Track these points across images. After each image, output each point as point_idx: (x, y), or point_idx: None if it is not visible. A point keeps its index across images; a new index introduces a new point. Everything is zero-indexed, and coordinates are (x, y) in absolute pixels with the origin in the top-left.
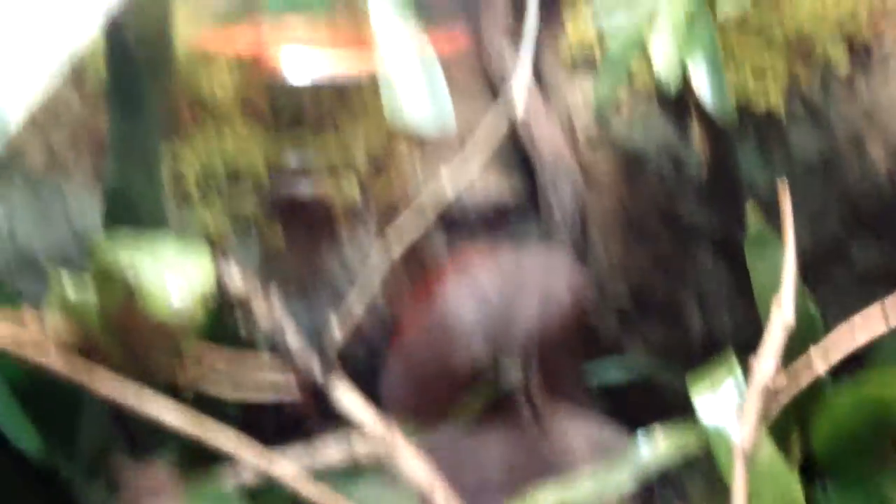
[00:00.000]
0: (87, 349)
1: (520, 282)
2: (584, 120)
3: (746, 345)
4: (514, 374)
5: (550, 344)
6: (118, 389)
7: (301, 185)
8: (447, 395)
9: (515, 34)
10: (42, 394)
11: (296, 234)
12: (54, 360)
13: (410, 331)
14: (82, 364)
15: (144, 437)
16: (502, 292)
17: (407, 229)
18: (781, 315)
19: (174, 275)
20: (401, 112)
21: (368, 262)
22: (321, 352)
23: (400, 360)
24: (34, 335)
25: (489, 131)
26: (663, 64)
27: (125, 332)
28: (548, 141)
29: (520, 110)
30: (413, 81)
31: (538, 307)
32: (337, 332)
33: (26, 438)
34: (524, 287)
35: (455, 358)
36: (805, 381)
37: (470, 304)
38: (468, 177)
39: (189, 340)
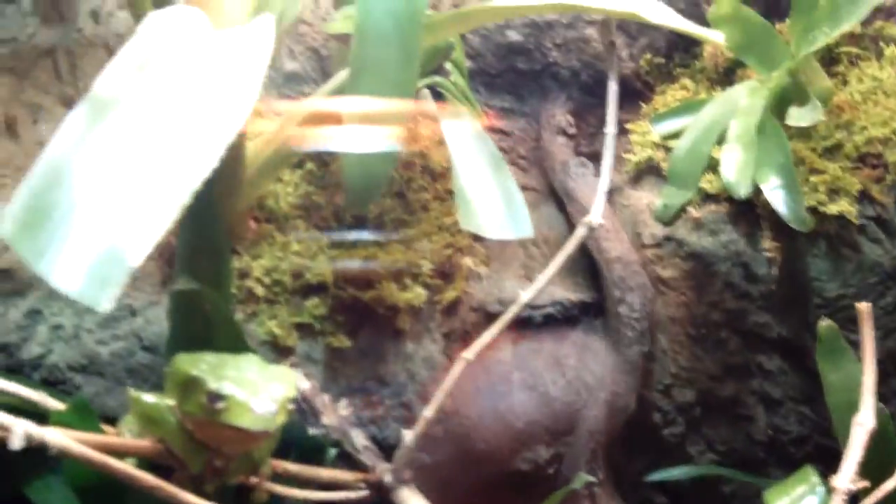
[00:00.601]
0: (164, 458)
1: (586, 383)
2: (650, 225)
3: (813, 450)
4: (578, 473)
5: (615, 444)
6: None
7: (366, 288)
8: (512, 495)
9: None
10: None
11: (360, 336)
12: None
13: (474, 429)
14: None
15: None
16: (568, 393)
17: (475, 331)
18: (862, 426)
19: (257, 385)
20: (475, 218)
21: (436, 367)
22: (393, 458)
23: (462, 459)
24: (115, 443)
25: (563, 238)
26: (733, 174)
27: (207, 439)
28: (615, 245)
29: (597, 219)
30: (486, 188)
31: (604, 408)
32: (409, 438)
33: None
34: (590, 388)
35: (519, 457)
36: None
37: (535, 404)
38: (542, 282)
39: (270, 444)
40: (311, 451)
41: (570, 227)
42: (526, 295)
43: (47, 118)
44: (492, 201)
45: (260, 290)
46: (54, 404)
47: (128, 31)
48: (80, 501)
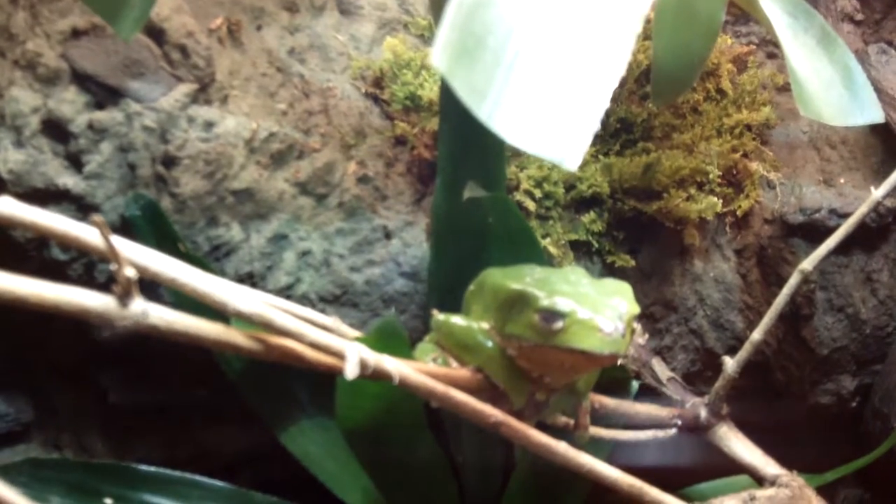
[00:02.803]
0: (484, 390)
1: None
2: None
3: None
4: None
5: None
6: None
7: (647, 199)
8: (809, 432)
9: None
10: (379, 451)
11: (643, 254)
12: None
13: (771, 357)
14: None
15: None
16: (880, 314)
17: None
18: None
19: (597, 301)
20: (814, 103)
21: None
22: (710, 393)
23: (757, 391)
24: (437, 372)
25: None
26: None
27: (533, 367)
28: None
29: None
30: (822, 68)
31: None
32: (731, 366)
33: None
34: None
35: (819, 388)
36: None
37: (841, 327)
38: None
39: (595, 375)
40: (614, 384)
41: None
42: (878, 193)
43: (270, 23)
44: (830, 83)
45: (531, 205)
46: (348, 331)
47: None
48: (352, 447)
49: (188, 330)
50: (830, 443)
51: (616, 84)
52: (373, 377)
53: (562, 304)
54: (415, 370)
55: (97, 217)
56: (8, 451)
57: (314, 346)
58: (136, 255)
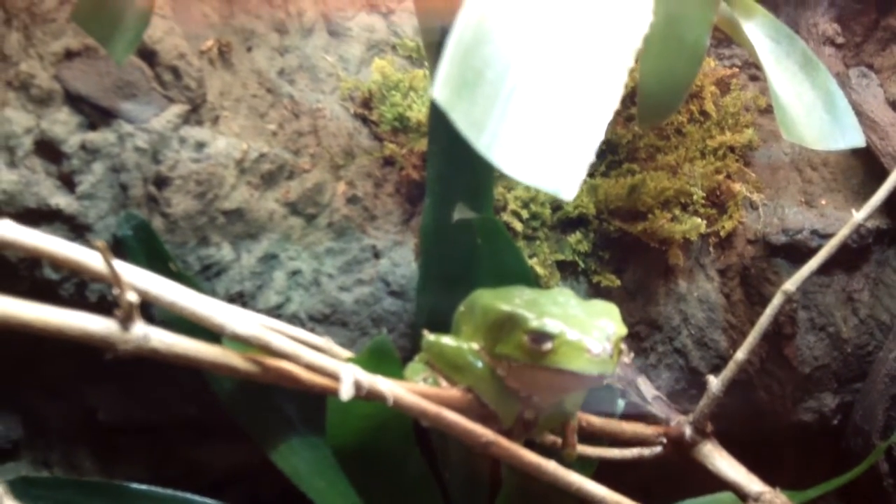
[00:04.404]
0: (474, 409)
1: (881, 322)
2: None
3: None
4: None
5: None
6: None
7: (632, 220)
8: (791, 449)
9: None
10: (368, 469)
11: (628, 274)
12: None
13: (754, 376)
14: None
15: None
16: (861, 333)
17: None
18: None
19: (586, 322)
20: (796, 127)
21: (714, 308)
22: (695, 411)
23: (740, 408)
24: (429, 393)
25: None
26: None
27: (523, 387)
28: None
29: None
30: (803, 93)
31: None
32: (715, 385)
33: None
34: (886, 327)
35: (802, 406)
36: None
37: (822, 346)
38: (878, 199)
39: (583, 394)
40: (600, 403)
41: None
42: (860, 215)
43: (260, 44)
44: (812, 107)
45: (518, 225)
46: (340, 352)
47: None
48: (341, 465)
49: (187, 353)
50: (812, 460)
51: (610, 117)
52: (367, 398)
53: (551, 325)
54: (407, 391)
55: (100, 242)
56: None
57: (310, 367)
58: (137, 279)
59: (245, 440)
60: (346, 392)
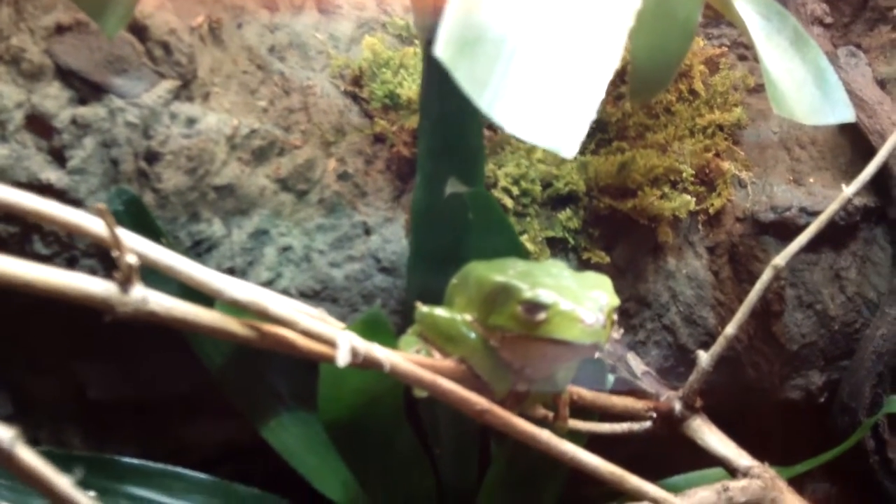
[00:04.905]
0: (467, 380)
1: (868, 299)
2: None
3: None
4: (862, 400)
5: None
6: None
7: (622, 197)
8: (778, 426)
9: None
10: (359, 444)
11: (617, 250)
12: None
13: (742, 353)
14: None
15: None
16: (848, 310)
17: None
18: None
19: (579, 293)
20: (787, 102)
21: (702, 286)
22: (684, 386)
23: (728, 385)
24: (447, 365)
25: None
26: None
27: (516, 358)
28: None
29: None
30: (794, 68)
31: (893, 326)
32: (705, 360)
33: (339, 489)
34: (874, 305)
35: (789, 383)
36: None
37: (810, 324)
38: (869, 173)
39: (574, 366)
40: (589, 378)
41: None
42: (850, 190)
43: (250, 21)
44: (803, 83)
45: (508, 202)
46: (335, 322)
47: None
48: (332, 440)
49: (185, 317)
50: (799, 437)
51: (611, 75)
52: (363, 365)
53: (544, 295)
54: (403, 359)
55: (101, 205)
56: None
57: (306, 333)
58: (136, 244)
59: (235, 417)
60: (342, 358)
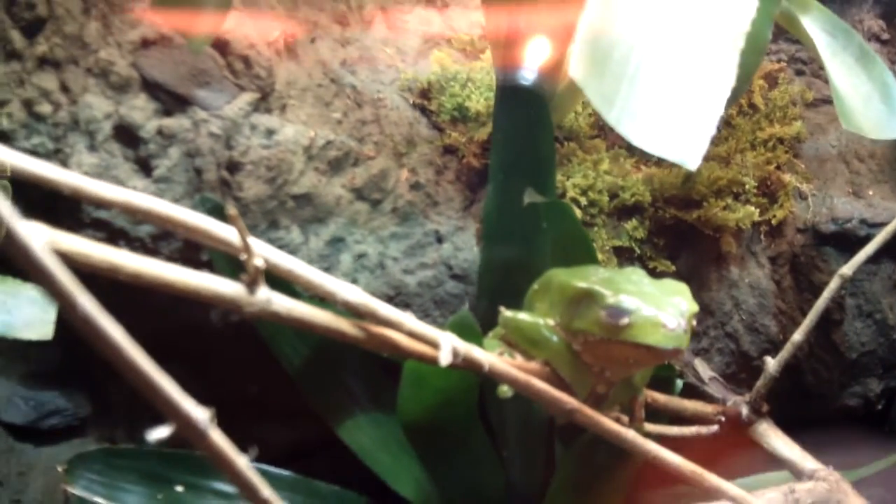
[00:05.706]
0: (551, 383)
1: None
2: None
3: None
4: None
5: None
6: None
7: (686, 207)
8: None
9: None
10: (436, 443)
11: (681, 260)
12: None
13: (802, 360)
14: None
15: None
16: None
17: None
18: None
19: (660, 299)
20: (855, 117)
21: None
22: (751, 391)
23: (786, 392)
24: (532, 367)
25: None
26: None
27: (598, 361)
28: None
29: None
30: (861, 84)
31: None
32: (773, 366)
33: (413, 487)
34: None
35: (847, 391)
36: None
37: (869, 332)
38: None
39: (650, 370)
40: (659, 382)
41: None
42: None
43: (323, 36)
44: (869, 98)
45: (577, 212)
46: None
47: None
48: (409, 438)
49: (304, 317)
50: (856, 444)
51: (729, 91)
52: (463, 365)
53: (627, 301)
54: (500, 360)
55: (232, 210)
56: (65, 446)
57: (411, 334)
58: (259, 247)
59: (302, 418)
60: (444, 358)
